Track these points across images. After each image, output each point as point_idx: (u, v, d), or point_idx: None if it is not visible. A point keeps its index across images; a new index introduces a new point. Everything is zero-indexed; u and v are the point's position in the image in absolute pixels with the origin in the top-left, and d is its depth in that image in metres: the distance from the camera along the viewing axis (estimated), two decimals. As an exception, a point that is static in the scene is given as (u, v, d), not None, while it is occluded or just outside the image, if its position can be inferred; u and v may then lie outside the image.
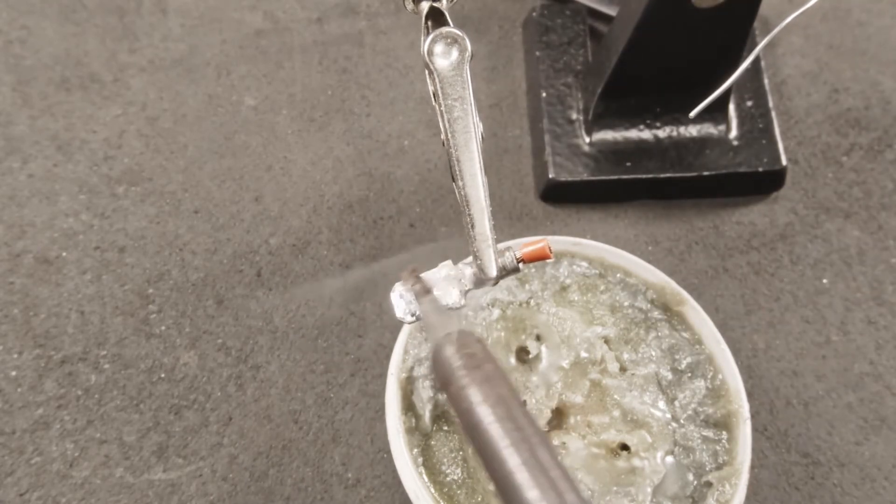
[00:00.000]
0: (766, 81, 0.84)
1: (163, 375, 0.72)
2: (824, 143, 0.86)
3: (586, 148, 0.79)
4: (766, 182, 0.81)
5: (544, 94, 0.82)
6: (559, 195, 0.80)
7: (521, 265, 0.44)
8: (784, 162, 0.80)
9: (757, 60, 0.84)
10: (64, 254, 0.77)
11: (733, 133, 0.80)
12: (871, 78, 0.90)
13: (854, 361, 0.71)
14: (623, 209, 0.81)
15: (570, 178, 0.77)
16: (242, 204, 0.78)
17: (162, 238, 0.78)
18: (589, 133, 0.79)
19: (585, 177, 0.77)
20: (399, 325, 0.62)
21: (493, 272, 0.44)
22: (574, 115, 0.80)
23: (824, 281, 0.76)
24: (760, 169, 0.79)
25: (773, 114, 0.82)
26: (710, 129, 0.79)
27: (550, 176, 0.78)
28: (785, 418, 0.69)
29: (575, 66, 0.84)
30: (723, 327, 0.70)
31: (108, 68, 0.88)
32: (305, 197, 0.79)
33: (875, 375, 0.70)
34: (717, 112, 0.79)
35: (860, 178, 0.84)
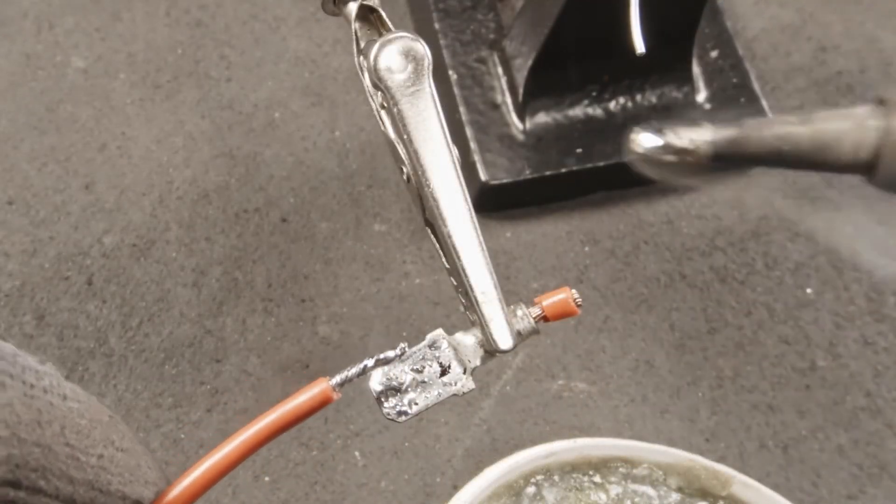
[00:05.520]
0: (728, 24, 0.78)
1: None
2: (809, 115, 0.81)
3: (521, 137, 0.73)
4: None
5: (454, 76, 0.76)
6: (496, 201, 0.73)
7: (539, 325, 0.40)
8: None
9: None
10: None
11: (702, 94, 0.76)
12: (867, 33, 0.85)
13: (846, 393, 0.68)
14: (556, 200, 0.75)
15: (507, 179, 0.72)
16: (69, 193, 0.73)
17: (-38, 237, 0.71)
18: (522, 117, 0.74)
19: (528, 174, 0.72)
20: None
21: (510, 340, 0.39)
22: (498, 98, 0.75)
23: (808, 290, 0.72)
24: None
25: (747, 64, 0.76)
26: (672, 92, 0.74)
27: (483, 179, 0.71)
28: (758, 464, 0.64)
29: (487, 36, 0.77)
30: (680, 349, 0.66)
31: None
32: (149, 184, 0.74)
33: (873, 411, 0.67)
34: (677, 70, 0.73)
35: (852, 158, 0.78)
